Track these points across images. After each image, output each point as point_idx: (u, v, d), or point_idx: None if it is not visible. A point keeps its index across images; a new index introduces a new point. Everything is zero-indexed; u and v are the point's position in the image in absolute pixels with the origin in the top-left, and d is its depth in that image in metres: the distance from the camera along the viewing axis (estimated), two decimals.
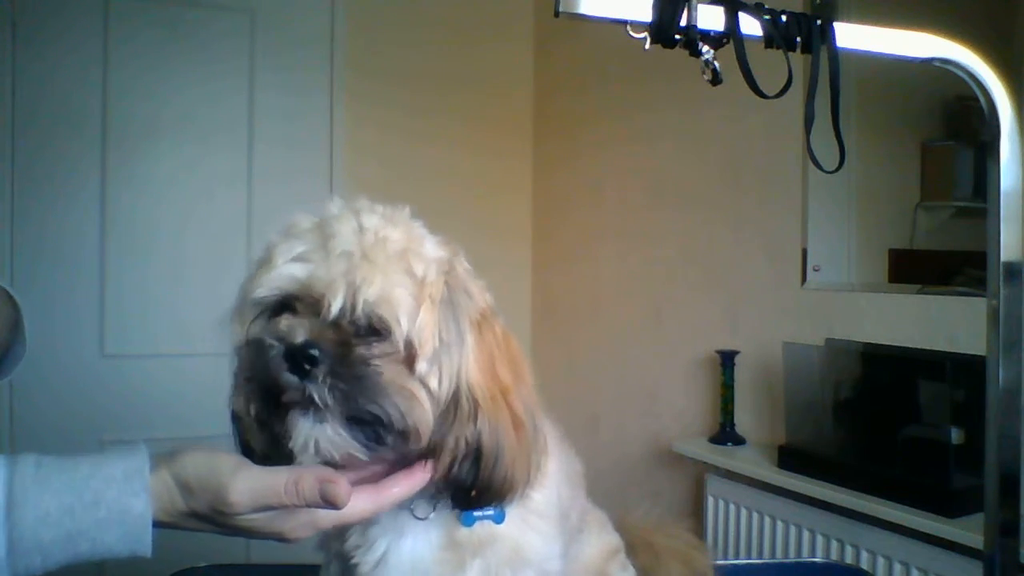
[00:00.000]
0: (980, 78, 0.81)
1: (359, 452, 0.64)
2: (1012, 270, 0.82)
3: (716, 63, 0.75)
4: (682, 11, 0.73)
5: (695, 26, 0.73)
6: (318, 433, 0.63)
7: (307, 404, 0.62)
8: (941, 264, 1.90)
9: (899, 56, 0.81)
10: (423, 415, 0.64)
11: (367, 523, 0.73)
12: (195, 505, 0.63)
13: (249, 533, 0.64)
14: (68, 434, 2.59)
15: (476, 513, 0.72)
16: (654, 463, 2.48)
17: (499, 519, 0.73)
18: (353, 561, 0.75)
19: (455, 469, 0.66)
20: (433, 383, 0.65)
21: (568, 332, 3.02)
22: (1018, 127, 0.82)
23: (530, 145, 3.24)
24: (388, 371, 0.63)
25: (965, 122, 1.80)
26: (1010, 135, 0.82)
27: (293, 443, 0.63)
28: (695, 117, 2.38)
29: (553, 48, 3.13)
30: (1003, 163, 0.82)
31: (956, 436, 1.53)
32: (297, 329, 0.63)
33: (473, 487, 0.67)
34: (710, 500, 2.10)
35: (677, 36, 0.74)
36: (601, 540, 0.94)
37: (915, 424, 1.63)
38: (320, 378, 0.62)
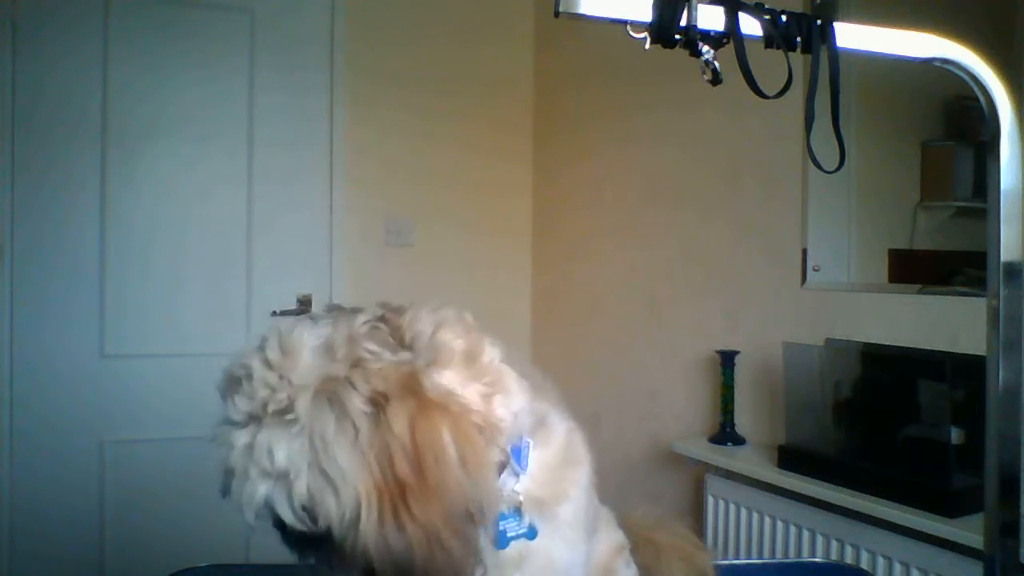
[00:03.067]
0: (980, 78, 0.81)
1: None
2: (1012, 270, 0.82)
3: (716, 63, 0.74)
4: (682, 11, 0.73)
5: (695, 26, 0.73)
6: None
7: None
8: (941, 264, 1.90)
9: (899, 56, 0.81)
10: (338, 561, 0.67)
11: None
12: None
13: None
14: (67, 435, 2.60)
15: (509, 534, 0.74)
16: (654, 463, 2.48)
17: (531, 536, 0.75)
18: None
19: None
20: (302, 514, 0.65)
21: (568, 332, 3.02)
22: (1018, 127, 0.82)
23: (530, 145, 3.24)
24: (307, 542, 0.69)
25: (965, 122, 1.80)
26: (1010, 135, 0.82)
27: None
28: (695, 117, 2.39)
29: (553, 48, 3.13)
30: (1003, 163, 0.82)
31: (956, 436, 1.53)
32: None
33: None
34: (710, 500, 2.10)
35: (677, 36, 0.73)
36: (610, 537, 0.95)
37: (915, 424, 1.63)
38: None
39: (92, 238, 2.64)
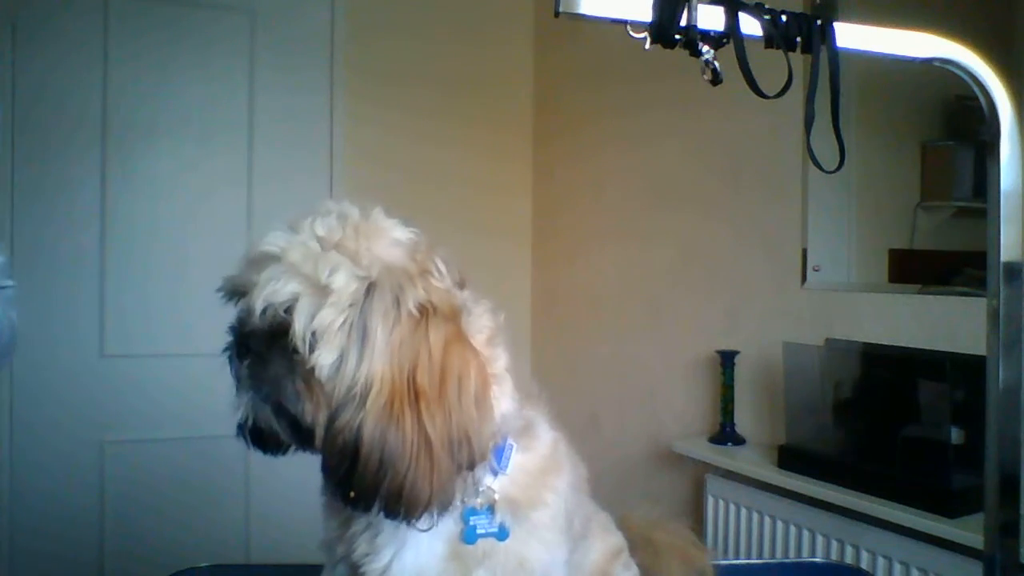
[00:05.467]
0: (980, 78, 0.81)
1: (277, 430, 0.69)
2: (1012, 270, 0.82)
3: (716, 63, 0.75)
4: (682, 11, 0.73)
5: (695, 26, 0.73)
6: (245, 407, 0.70)
7: (239, 383, 0.70)
8: (941, 264, 1.90)
9: (899, 56, 0.81)
10: (304, 404, 0.67)
11: (375, 531, 0.74)
12: None
13: None
14: (68, 434, 2.60)
15: (479, 531, 0.74)
16: (654, 463, 2.48)
17: (502, 536, 0.74)
18: (361, 570, 0.76)
19: (333, 464, 0.67)
20: (325, 376, 0.65)
21: (568, 332, 3.02)
22: (1018, 127, 0.82)
23: (530, 145, 3.24)
24: (276, 364, 0.67)
25: (965, 122, 1.80)
26: (1010, 135, 0.82)
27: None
28: (695, 117, 2.39)
29: (553, 48, 3.13)
30: (1003, 163, 0.82)
31: (956, 436, 1.53)
32: (242, 320, 0.69)
33: (352, 488, 0.66)
34: (710, 500, 2.10)
35: (677, 36, 0.74)
36: (605, 543, 0.94)
37: (915, 424, 1.63)
38: (244, 363, 0.68)
39: (92, 238, 2.64)
